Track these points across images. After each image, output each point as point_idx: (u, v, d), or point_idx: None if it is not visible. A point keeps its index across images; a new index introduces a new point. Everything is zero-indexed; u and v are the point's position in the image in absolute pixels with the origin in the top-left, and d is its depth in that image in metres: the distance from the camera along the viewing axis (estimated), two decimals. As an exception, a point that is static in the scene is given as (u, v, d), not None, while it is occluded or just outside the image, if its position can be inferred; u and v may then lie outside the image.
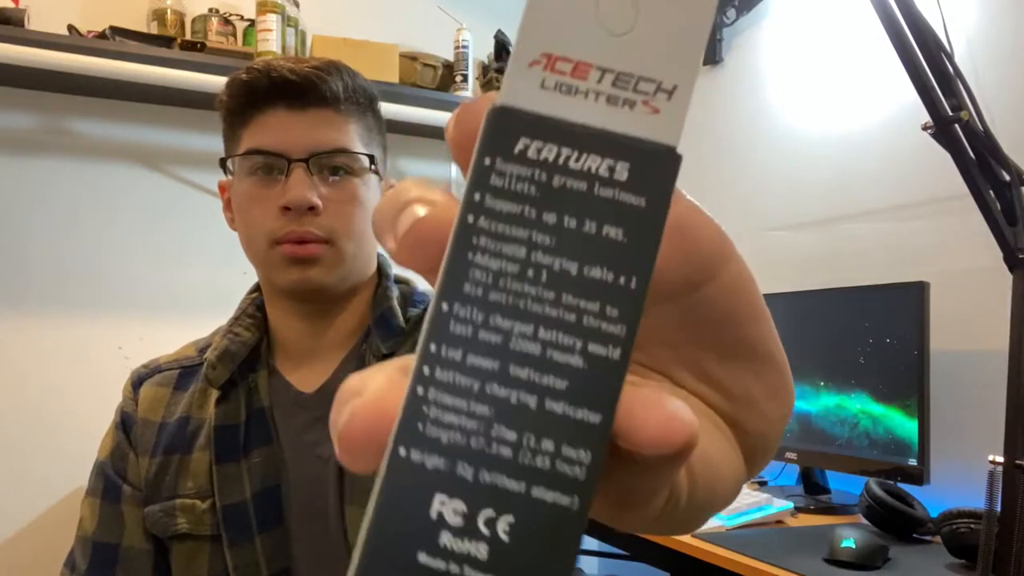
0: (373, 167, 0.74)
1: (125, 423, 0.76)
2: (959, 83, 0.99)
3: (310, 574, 0.72)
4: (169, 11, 2.08)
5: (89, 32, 1.94)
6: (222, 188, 0.79)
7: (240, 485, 0.72)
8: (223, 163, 0.74)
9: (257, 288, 0.82)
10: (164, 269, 2.16)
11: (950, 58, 0.99)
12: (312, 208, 0.68)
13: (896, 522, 1.37)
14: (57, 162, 2.06)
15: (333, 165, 0.71)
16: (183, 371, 0.79)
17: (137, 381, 0.78)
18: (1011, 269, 0.95)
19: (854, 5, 1.84)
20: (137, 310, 2.12)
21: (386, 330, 0.74)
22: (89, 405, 2.06)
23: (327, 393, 0.74)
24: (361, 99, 0.74)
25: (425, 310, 0.72)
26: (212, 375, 0.75)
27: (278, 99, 0.70)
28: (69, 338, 2.05)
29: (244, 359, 0.76)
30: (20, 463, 1.98)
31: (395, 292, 0.78)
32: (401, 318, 0.76)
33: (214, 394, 0.74)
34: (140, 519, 0.74)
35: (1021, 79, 1.50)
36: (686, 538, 1.37)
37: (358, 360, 0.75)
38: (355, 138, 0.72)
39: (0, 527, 1.96)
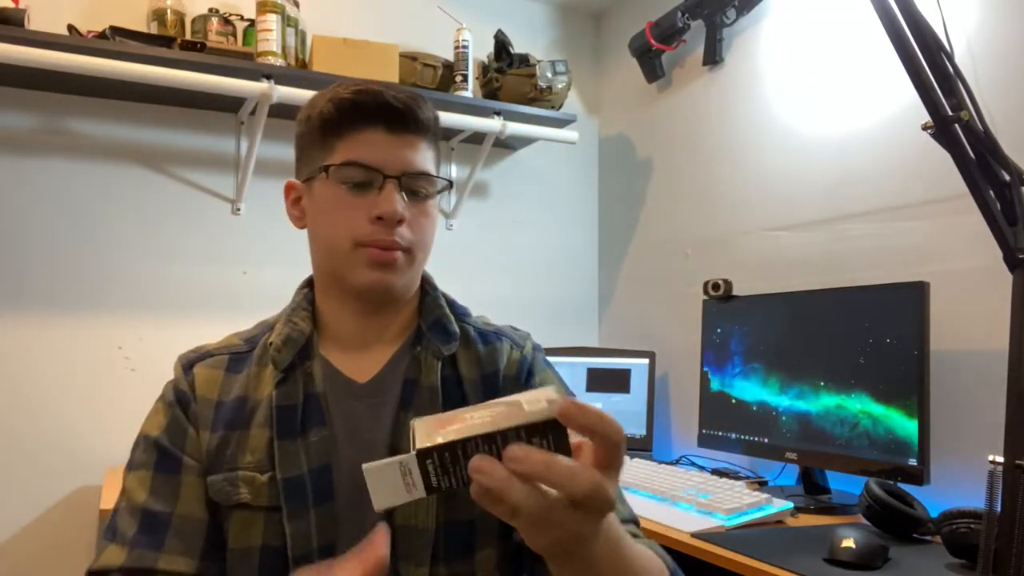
0: (440, 190, 0.84)
1: (181, 401, 0.81)
2: (959, 83, 0.99)
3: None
4: (169, 11, 2.08)
5: (89, 32, 1.94)
6: (289, 187, 0.87)
7: (298, 460, 0.77)
8: (323, 168, 0.79)
9: (307, 284, 0.89)
10: (164, 269, 2.16)
11: (950, 58, 0.99)
12: (400, 220, 0.78)
13: (896, 522, 1.37)
14: (57, 162, 2.06)
15: (416, 185, 0.80)
16: (232, 357, 0.84)
17: (188, 364, 0.84)
18: (1011, 269, 0.95)
19: (854, 5, 1.84)
20: (137, 310, 2.12)
21: (443, 335, 0.85)
22: (89, 405, 2.06)
23: (378, 383, 0.82)
24: (437, 129, 0.84)
25: (467, 322, 0.88)
26: (278, 358, 0.81)
27: (379, 120, 0.78)
28: (69, 338, 2.05)
29: (301, 347, 0.83)
30: (20, 463, 1.98)
31: (444, 302, 0.89)
32: (455, 324, 0.87)
33: (270, 377, 0.81)
34: (200, 489, 0.77)
35: (1021, 79, 1.50)
36: (686, 538, 1.37)
37: (411, 358, 0.84)
38: (432, 163, 0.82)
39: (0, 527, 1.96)
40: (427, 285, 0.89)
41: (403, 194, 0.78)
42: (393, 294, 0.82)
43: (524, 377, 0.86)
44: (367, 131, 0.78)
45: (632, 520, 0.81)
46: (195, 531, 0.76)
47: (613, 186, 2.77)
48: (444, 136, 2.44)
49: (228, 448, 0.78)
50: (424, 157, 0.80)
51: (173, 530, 0.75)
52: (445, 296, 0.90)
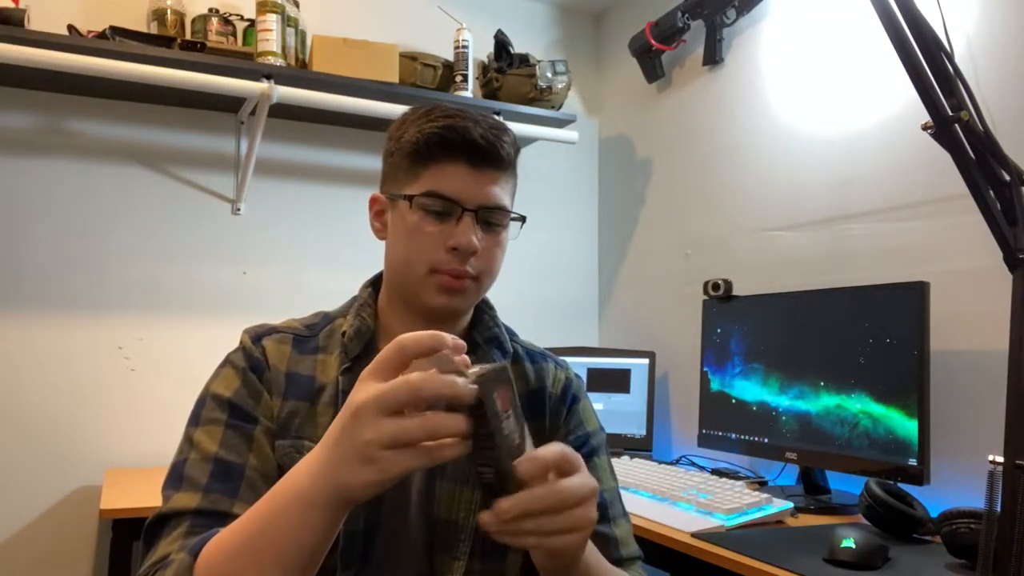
0: (511, 220, 0.89)
1: (255, 368, 0.85)
2: (959, 83, 0.99)
3: (389, 534, 0.82)
4: (169, 11, 2.08)
5: (89, 32, 1.94)
6: (374, 200, 0.91)
7: None
8: (406, 196, 0.85)
9: (371, 284, 0.94)
10: (164, 269, 2.16)
11: (950, 58, 0.99)
12: (473, 252, 0.83)
13: (896, 522, 1.37)
14: (57, 162, 2.06)
15: (492, 218, 0.85)
16: (296, 338, 0.89)
17: (256, 336, 0.88)
18: (1011, 269, 0.95)
19: (854, 5, 1.84)
20: (137, 310, 2.12)
21: (499, 350, 0.92)
22: (89, 405, 2.06)
23: None
24: (515, 160, 0.88)
25: (516, 341, 0.96)
26: (350, 347, 0.86)
27: (462, 155, 0.82)
28: (69, 338, 2.05)
29: (367, 341, 0.88)
30: (20, 462, 1.98)
31: (500, 323, 0.95)
32: (510, 344, 0.94)
33: (335, 363, 0.86)
34: (270, 449, 0.81)
35: (1021, 79, 1.50)
36: (686, 538, 1.37)
37: None
38: (508, 196, 0.87)
39: (0, 527, 1.96)
40: (484, 304, 0.95)
41: (478, 227, 0.83)
42: (458, 314, 0.89)
43: (569, 401, 0.94)
44: (450, 164, 0.82)
45: (639, 557, 0.92)
46: (266, 485, 0.78)
47: (613, 186, 2.76)
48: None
49: (296, 418, 0.83)
50: (502, 191, 0.85)
51: (246, 481, 0.78)
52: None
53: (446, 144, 0.82)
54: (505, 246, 0.88)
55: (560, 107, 2.44)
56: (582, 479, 0.61)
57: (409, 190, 0.84)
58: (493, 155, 0.83)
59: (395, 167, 0.87)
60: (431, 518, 0.82)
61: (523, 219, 0.89)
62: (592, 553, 0.72)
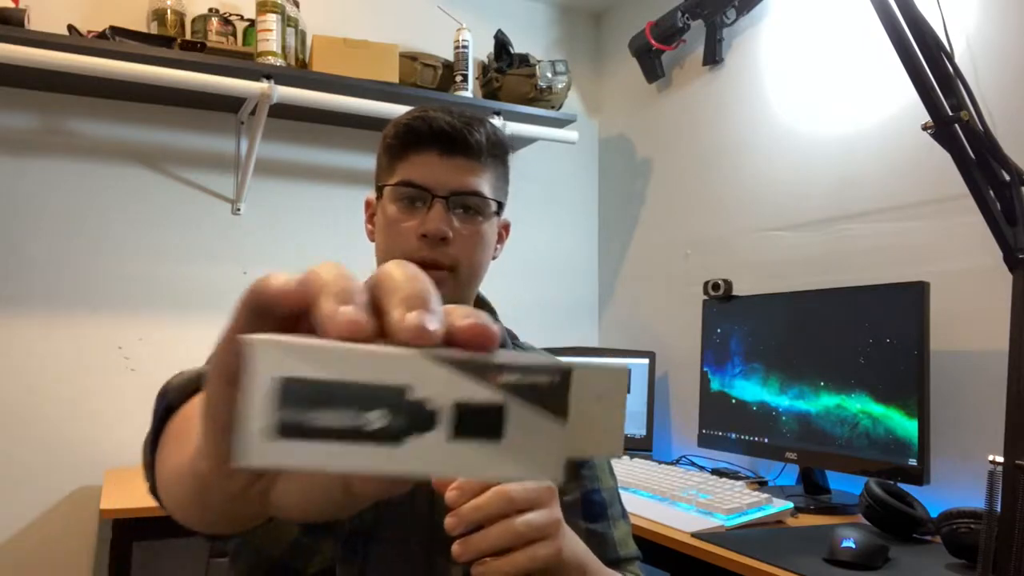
0: (497, 212, 0.88)
1: None
2: (959, 83, 0.99)
3: (388, 537, 0.82)
4: (169, 11, 2.08)
5: (89, 32, 1.94)
6: (368, 203, 0.92)
7: None
8: (380, 188, 0.87)
9: None
10: (164, 269, 2.16)
11: (950, 58, 0.99)
12: (444, 239, 0.82)
13: (896, 522, 1.37)
14: (57, 162, 2.06)
15: (466, 204, 0.84)
16: None
17: None
18: (1011, 269, 0.95)
19: (854, 5, 1.84)
20: (137, 310, 2.12)
21: None
22: (89, 405, 2.06)
23: None
24: (497, 151, 0.87)
25: (519, 345, 0.93)
26: None
27: (433, 144, 0.83)
28: (69, 338, 2.05)
29: None
30: (20, 462, 1.98)
31: (501, 324, 0.94)
32: (510, 345, 0.92)
33: None
34: None
35: (1021, 79, 1.50)
36: (686, 538, 1.37)
37: None
38: (488, 185, 0.86)
39: (0, 527, 1.96)
40: (483, 304, 0.94)
41: (453, 214, 0.83)
42: None
43: None
44: (422, 154, 0.83)
45: (637, 558, 0.91)
46: None
47: (613, 186, 2.76)
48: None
49: None
50: (478, 179, 0.84)
51: None
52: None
53: (415, 134, 0.83)
54: (486, 237, 0.86)
55: (560, 107, 2.44)
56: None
57: (386, 183, 0.85)
58: (462, 142, 0.83)
59: (378, 167, 0.89)
60: (431, 522, 0.82)
61: (501, 206, 0.88)
62: (588, 556, 0.72)
